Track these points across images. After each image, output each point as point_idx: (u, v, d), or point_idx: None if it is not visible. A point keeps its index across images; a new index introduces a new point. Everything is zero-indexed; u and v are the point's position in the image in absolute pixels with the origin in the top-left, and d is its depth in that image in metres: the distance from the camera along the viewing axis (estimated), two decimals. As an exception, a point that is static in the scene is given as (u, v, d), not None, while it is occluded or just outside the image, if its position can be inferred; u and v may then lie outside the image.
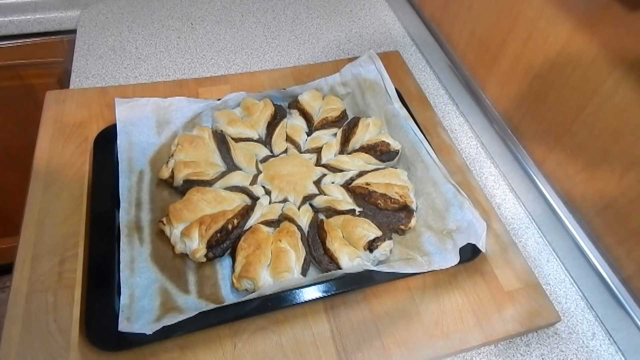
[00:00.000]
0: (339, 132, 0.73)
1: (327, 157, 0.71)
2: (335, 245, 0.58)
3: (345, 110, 0.77)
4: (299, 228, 0.61)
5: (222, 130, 0.70)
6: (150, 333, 0.49)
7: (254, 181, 0.67)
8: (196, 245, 0.57)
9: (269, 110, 0.73)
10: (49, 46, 1.00)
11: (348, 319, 0.55)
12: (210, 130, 0.69)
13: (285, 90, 0.78)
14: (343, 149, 0.72)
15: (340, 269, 0.57)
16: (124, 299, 0.53)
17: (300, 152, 0.72)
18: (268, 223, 0.61)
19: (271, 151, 0.72)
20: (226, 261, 0.60)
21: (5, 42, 0.98)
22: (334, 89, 0.80)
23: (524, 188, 0.71)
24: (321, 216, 0.65)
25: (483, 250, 0.59)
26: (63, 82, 1.05)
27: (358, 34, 0.98)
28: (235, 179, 0.66)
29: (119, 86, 0.78)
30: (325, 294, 0.55)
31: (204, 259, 0.57)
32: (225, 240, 0.59)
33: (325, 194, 0.66)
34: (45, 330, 0.51)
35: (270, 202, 0.65)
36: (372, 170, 0.68)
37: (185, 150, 0.65)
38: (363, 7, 1.06)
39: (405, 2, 0.99)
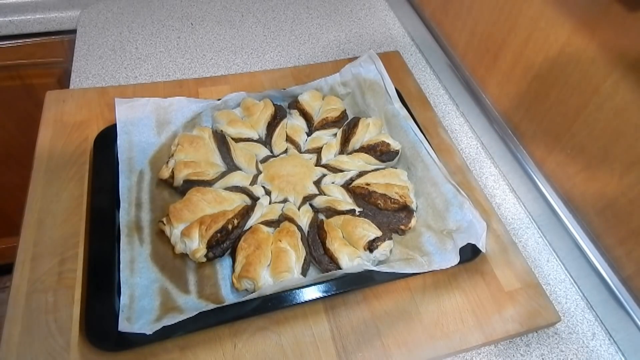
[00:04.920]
0: (339, 132, 0.73)
1: (327, 157, 0.71)
2: (335, 245, 0.58)
3: (345, 110, 0.77)
4: (299, 228, 0.61)
5: (222, 131, 0.70)
6: (150, 333, 0.49)
7: (254, 181, 0.67)
8: (196, 245, 0.57)
9: (269, 110, 0.73)
10: (49, 46, 1.00)
11: (348, 319, 0.55)
12: (210, 130, 0.69)
13: (285, 90, 0.78)
14: (343, 149, 0.72)
15: (340, 269, 0.57)
16: (124, 299, 0.53)
17: (300, 152, 0.72)
18: (268, 223, 0.61)
19: (271, 151, 0.72)
20: (226, 261, 0.60)
21: (5, 42, 0.98)
22: (334, 89, 0.80)
23: (524, 188, 0.71)
24: (321, 216, 0.65)
25: (483, 250, 0.59)
26: (63, 82, 1.05)
27: (358, 34, 0.98)
28: (236, 179, 0.66)
29: (119, 86, 0.78)
30: (325, 294, 0.55)
31: (204, 259, 0.57)
32: (225, 240, 0.59)
33: (325, 194, 0.66)
34: (45, 330, 0.51)
35: (270, 202, 0.65)
36: (372, 171, 0.68)
37: (186, 150, 0.65)
38: (363, 7, 1.06)
39: (405, 2, 0.99)
